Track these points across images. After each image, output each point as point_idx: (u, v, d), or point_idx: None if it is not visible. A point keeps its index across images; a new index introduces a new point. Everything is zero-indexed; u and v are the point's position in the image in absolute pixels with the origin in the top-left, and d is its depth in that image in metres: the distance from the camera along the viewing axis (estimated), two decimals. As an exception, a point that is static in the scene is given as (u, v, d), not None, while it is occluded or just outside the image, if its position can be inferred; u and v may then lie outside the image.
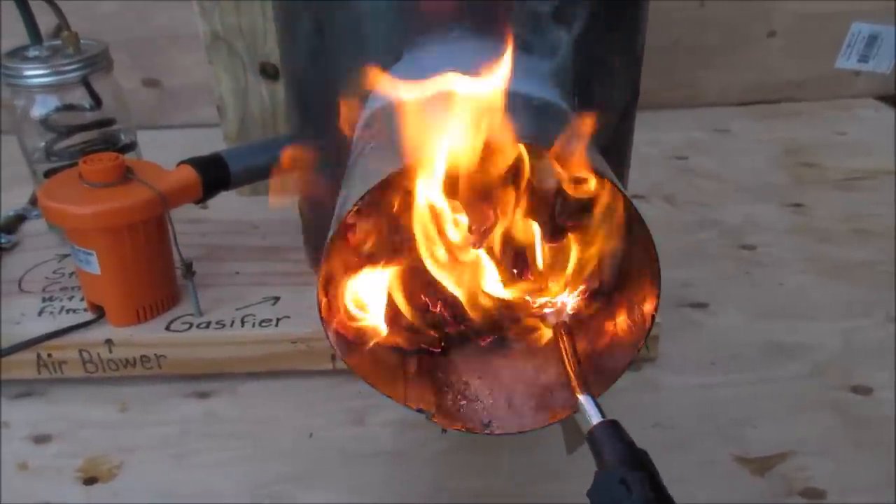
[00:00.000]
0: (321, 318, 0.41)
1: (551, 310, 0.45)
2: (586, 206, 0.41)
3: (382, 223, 0.43)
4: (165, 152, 0.63)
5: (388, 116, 0.38)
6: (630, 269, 0.44)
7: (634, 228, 0.41)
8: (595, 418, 0.37)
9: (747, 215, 0.82)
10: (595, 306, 0.46)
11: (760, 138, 1.00)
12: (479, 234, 0.41)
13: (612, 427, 0.36)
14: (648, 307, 0.41)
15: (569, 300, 0.45)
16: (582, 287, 0.45)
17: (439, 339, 0.47)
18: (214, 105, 0.77)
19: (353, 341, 0.44)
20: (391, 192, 0.42)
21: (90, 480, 0.52)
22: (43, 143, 0.69)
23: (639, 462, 0.34)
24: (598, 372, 0.44)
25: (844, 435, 0.55)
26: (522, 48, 0.43)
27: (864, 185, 0.88)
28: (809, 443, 0.54)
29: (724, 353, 0.63)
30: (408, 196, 0.40)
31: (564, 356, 0.42)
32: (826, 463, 0.52)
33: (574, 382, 0.40)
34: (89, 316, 0.60)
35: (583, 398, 0.38)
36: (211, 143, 0.69)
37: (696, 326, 0.66)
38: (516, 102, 0.41)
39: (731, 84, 1.08)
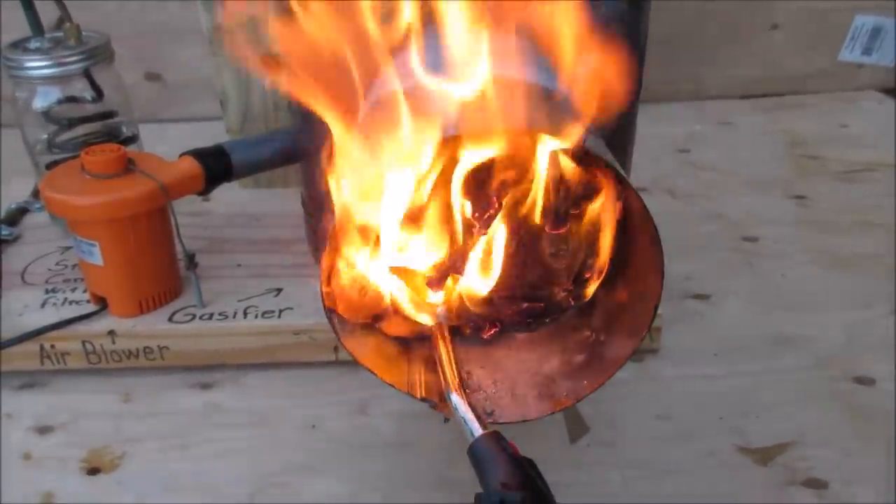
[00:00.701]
0: (324, 307, 0.41)
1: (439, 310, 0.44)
2: (589, 194, 0.41)
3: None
4: (167, 146, 0.64)
5: (397, 100, 0.38)
6: (633, 260, 0.44)
7: (636, 220, 0.41)
8: (475, 430, 0.35)
9: (750, 207, 0.82)
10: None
11: (763, 131, 1.00)
12: (483, 221, 0.41)
13: (494, 439, 0.34)
14: (651, 298, 0.41)
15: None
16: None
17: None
18: (216, 99, 0.77)
19: (355, 330, 0.44)
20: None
21: (93, 471, 0.53)
22: (45, 136, 0.69)
23: (522, 478, 0.32)
24: (600, 362, 0.44)
25: (847, 426, 0.55)
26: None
27: (867, 178, 0.87)
28: (812, 433, 0.54)
29: (726, 344, 0.62)
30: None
31: (442, 360, 0.41)
32: (828, 453, 0.52)
33: (448, 389, 0.38)
34: (92, 307, 0.60)
35: (460, 407, 0.36)
36: (213, 136, 0.69)
37: (699, 318, 0.66)
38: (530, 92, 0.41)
39: (734, 77, 1.08)
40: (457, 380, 0.39)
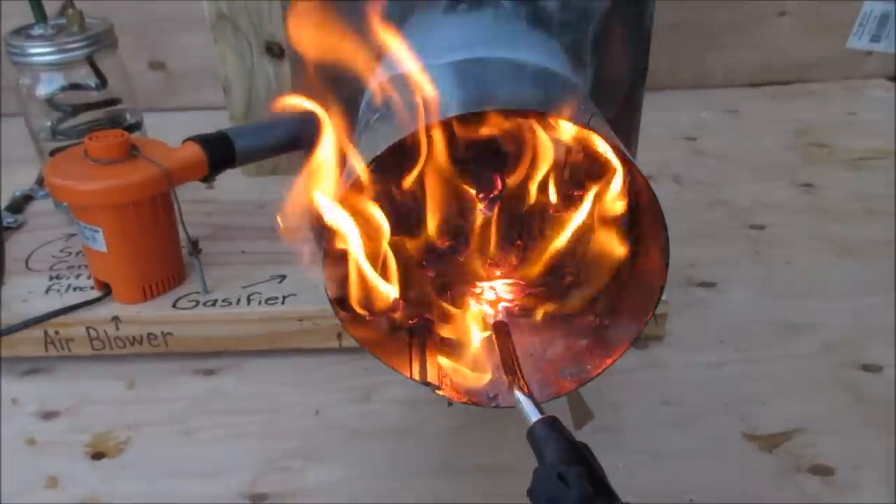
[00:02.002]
0: (327, 294, 0.41)
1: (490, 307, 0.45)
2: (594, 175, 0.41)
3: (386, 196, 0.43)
4: (171, 134, 0.63)
5: (398, 86, 0.37)
6: (638, 243, 0.44)
7: (643, 203, 0.41)
8: (534, 416, 0.37)
9: (756, 195, 0.81)
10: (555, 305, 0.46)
11: (770, 118, 0.99)
12: (488, 202, 0.41)
13: (551, 423, 0.36)
14: (656, 282, 0.41)
15: (506, 296, 0.45)
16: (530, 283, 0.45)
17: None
18: (220, 87, 0.77)
19: (359, 315, 0.43)
20: (398, 163, 0.41)
21: (98, 455, 0.53)
22: (49, 123, 0.69)
23: (577, 457, 0.34)
24: (604, 346, 0.44)
25: (853, 413, 0.54)
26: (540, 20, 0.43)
27: (874, 165, 0.87)
28: (818, 420, 0.54)
29: (732, 331, 0.62)
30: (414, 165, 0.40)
31: (502, 355, 0.42)
32: (835, 440, 0.52)
33: (511, 381, 0.39)
34: (96, 293, 0.60)
35: (521, 397, 0.38)
36: (217, 125, 0.68)
37: (705, 305, 0.65)
38: (525, 72, 0.41)
39: (741, 64, 1.07)
40: (518, 379, 0.40)
